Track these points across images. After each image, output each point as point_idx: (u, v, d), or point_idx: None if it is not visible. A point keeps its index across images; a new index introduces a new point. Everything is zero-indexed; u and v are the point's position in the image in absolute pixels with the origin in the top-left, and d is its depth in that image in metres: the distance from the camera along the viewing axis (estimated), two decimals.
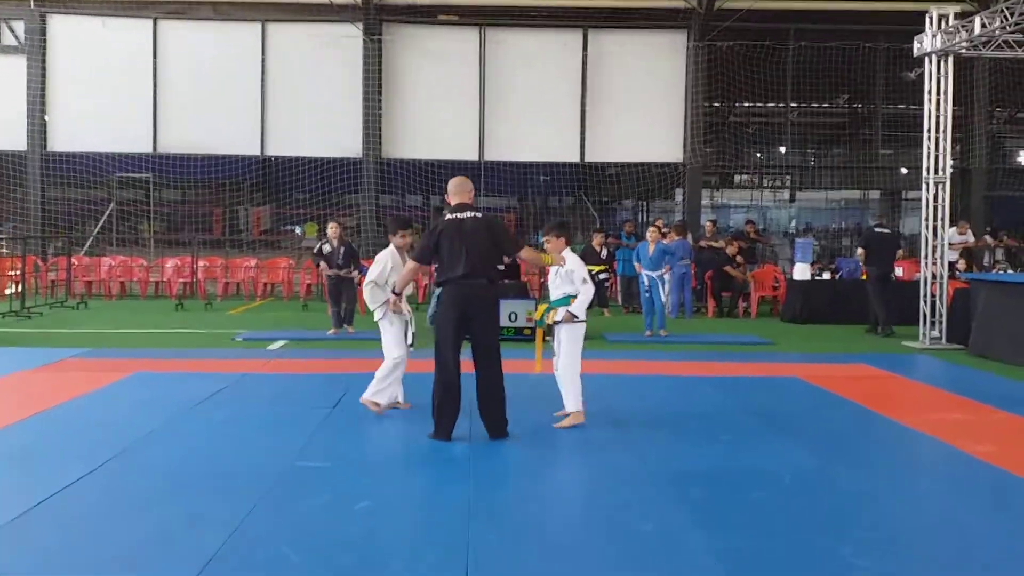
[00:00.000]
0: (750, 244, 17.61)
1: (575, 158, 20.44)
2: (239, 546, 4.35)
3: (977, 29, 11.41)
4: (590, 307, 7.02)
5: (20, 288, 15.28)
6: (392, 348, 7.20)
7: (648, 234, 13.35)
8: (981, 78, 20.32)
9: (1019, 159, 25.32)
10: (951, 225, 14.22)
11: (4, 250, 19.21)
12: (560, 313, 6.86)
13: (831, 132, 24.52)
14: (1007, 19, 10.89)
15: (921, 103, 12.78)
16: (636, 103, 20.27)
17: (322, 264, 12.70)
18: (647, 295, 12.77)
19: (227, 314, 15.18)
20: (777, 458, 6.09)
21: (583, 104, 20.27)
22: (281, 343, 11.70)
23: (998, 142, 23.54)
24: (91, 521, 4.72)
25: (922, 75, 12.75)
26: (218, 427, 6.89)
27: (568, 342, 6.87)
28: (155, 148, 20.10)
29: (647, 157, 20.45)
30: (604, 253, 15.72)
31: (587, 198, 21.30)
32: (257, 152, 20.25)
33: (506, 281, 11.29)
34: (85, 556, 4.25)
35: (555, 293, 7.02)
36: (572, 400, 6.86)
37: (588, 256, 14.25)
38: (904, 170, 22.48)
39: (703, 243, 16.73)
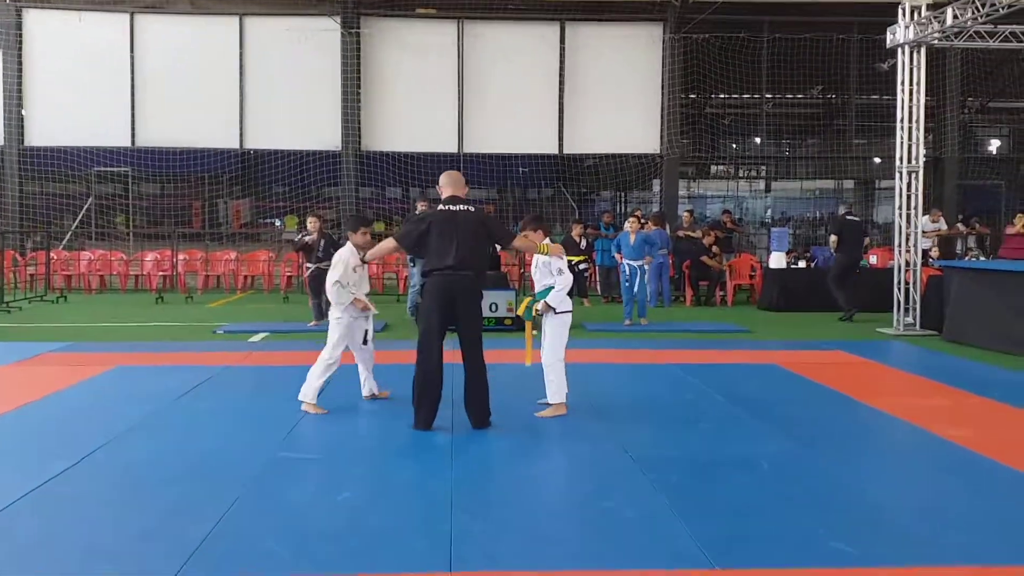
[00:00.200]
0: (727, 234, 17.78)
1: (553, 150, 20.51)
2: (223, 538, 4.36)
3: (949, 20, 11.55)
4: (570, 294, 7.06)
5: None
6: (332, 347, 7.06)
7: (627, 224, 13.42)
8: (953, 68, 20.58)
9: (990, 148, 25.62)
10: (924, 213, 14.41)
11: None
12: (542, 304, 6.91)
13: (806, 123, 24.68)
14: (978, 10, 11.04)
15: (894, 93, 12.91)
16: (613, 95, 20.37)
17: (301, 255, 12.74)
18: (627, 284, 12.86)
19: (208, 307, 15.13)
20: (756, 444, 6.18)
21: (561, 96, 20.34)
22: (262, 335, 11.69)
23: (970, 131, 23.84)
24: (74, 514, 4.72)
25: (895, 66, 12.88)
26: (200, 419, 6.90)
27: (552, 334, 6.91)
28: (133, 142, 19.98)
29: (624, 148, 20.58)
30: (583, 243, 15.81)
31: (566, 189, 21.38)
32: (236, 145, 20.17)
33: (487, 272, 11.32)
34: (68, 550, 4.25)
35: (538, 285, 7.05)
36: (554, 391, 6.89)
37: (568, 246, 14.28)
38: (877, 159, 22.71)
39: (680, 233, 16.82)
